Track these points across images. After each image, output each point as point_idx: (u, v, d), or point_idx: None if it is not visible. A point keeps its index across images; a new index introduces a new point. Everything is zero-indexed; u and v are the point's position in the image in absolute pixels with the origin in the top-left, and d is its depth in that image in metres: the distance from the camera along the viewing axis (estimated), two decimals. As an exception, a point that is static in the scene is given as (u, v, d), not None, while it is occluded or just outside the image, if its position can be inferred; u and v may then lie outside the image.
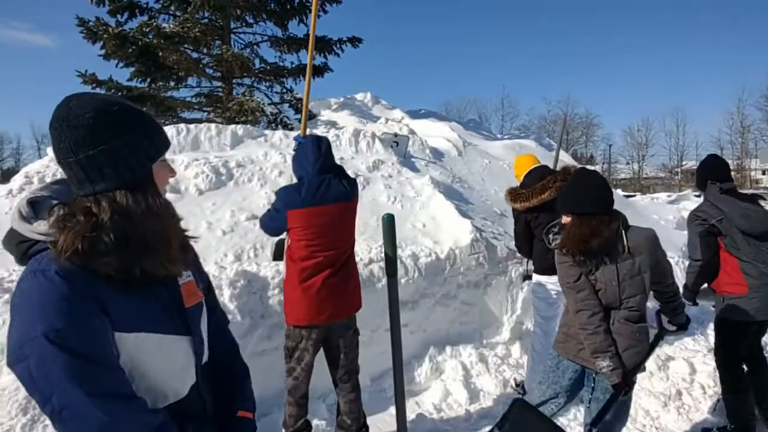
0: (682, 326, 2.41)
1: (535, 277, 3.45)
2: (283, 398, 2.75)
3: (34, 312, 0.84)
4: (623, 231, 2.09)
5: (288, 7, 9.85)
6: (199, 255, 1.26)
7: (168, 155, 5.16)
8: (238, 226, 3.96)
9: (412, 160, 6.31)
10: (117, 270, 0.90)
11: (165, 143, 1.03)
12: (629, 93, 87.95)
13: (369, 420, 2.84)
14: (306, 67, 10.24)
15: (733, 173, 4.57)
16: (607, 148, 45.79)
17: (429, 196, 4.99)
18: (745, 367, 2.99)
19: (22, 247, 0.95)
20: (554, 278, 3.27)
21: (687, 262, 3.19)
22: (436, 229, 4.51)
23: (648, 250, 2.08)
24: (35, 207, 0.97)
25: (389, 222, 2.50)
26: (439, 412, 3.29)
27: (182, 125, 5.52)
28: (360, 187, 4.89)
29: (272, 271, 3.35)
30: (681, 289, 2.52)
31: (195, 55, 9.43)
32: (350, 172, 5.00)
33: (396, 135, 6.54)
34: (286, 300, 2.61)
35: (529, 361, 3.51)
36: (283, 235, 2.69)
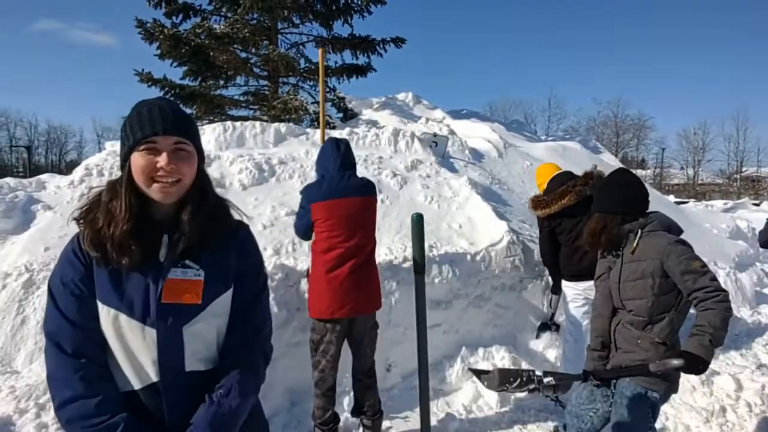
0: (687, 365, 1.78)
1: (565, 283, 3.45)
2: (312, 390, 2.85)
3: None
4: (639, 233, 2.05)
5: (333, 8, 10.03)
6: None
7: (215, 151, 5.30)
8: (278, 221, 4.10)
9: (451, 160, 6.27)
10: (97, 248, 1.08)
11: (141, 130, 1.07)
12: (686, 93, 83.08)
13: (396, 416, 2.88)
14: (349, 66, 10.43)
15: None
16: (660, 151, 43.92)
17: (466, 196, 4.96)
18: None
19: None
20: (582, 284, 3.24)
21: (738, 275, 3.04)
22: (472, 230, 4.48)
23: (654, 258, 1.98)
24: None
25: (418, 221, 2.60)
26: (469, 414, 3.28)
27: (229, 123, 5.78)
28: (397, 187, 4.96)
29: (309, 265, 3.45)
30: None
31: (243, 54, 9.75)
32: (388, 171, 5.08)
33: (435, 135, 6.51)
34: (311, 293, 2.71)
35: (561, 368, 3.45)
36: None
